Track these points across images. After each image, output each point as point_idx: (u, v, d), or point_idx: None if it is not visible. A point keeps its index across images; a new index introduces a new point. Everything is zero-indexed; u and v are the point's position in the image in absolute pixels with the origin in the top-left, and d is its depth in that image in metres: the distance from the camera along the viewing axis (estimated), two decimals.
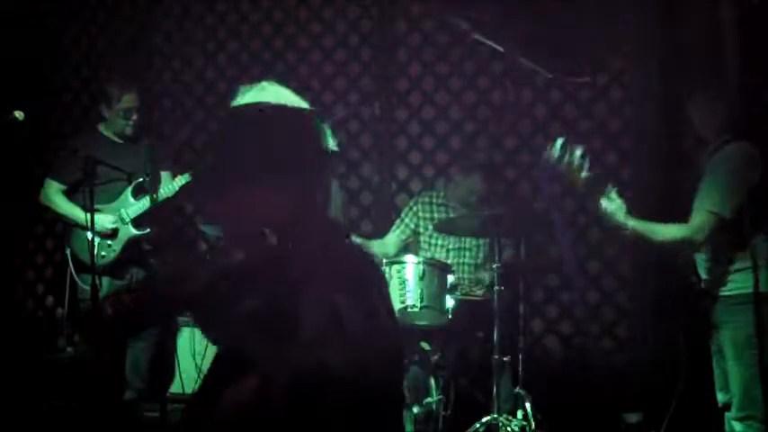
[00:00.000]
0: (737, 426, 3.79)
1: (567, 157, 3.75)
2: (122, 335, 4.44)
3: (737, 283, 3.75)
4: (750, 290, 3.72)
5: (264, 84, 2.81)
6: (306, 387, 1.80)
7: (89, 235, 4.55)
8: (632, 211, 3.81)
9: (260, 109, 2.11)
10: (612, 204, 3.79)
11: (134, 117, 5.03)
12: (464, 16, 4.99)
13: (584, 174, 3.76)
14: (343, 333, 1.82)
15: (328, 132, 2.71)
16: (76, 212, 4.89)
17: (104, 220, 4.87)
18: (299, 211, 2.00)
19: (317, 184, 2.07)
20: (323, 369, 1.78)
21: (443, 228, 4.99)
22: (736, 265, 3.76)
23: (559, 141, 3.77)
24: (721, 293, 3.79)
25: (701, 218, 3.71)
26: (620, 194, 3.82)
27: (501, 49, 4.88)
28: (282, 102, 2.33)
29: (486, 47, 5.59)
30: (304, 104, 2.62)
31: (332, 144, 2.78)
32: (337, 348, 1.81)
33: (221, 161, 2.05)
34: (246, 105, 2.11)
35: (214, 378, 2.01)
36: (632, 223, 3.77)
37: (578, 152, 3.76)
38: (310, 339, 1.81)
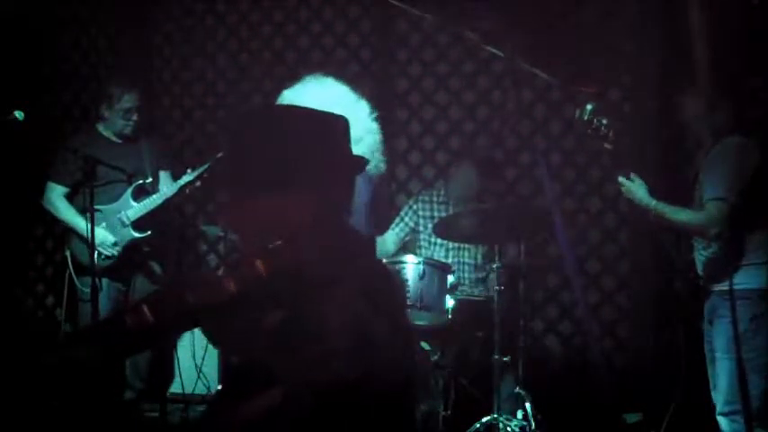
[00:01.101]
0: (723, 421, 3.81)
1: (595, 122, 3.90)
2: (141, 348, 4.42)
3: (737, 278, 3.78)
4: (748, 285, 3.76)
5: (328, 80, 2.75)
6: (330, 398, 1.77)
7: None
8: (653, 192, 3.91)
9: (277, 111, 2.04)
10: (634, 185, 3.90)
11: (134, 117, 5.03)
12: (471, 27, 5.00)
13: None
14: (365, 342, 1.79)
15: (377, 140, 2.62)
16: (78, 221, 4.87)
17: (106, 238, 4.84)
18: (317, 218, 1.93)
19: (337, 189, 2.00)
20: (348, 380, 1.76)
21: (442, 232, 4.97)
22: (738, 261, 3.79)
23: (589, 107, 3.90)
24: (719, 288, 3.82)
25: (713, 207, 3.77)
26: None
27: (509, 56, 4.88)
28: (338, 98, 2.23)
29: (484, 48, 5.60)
30: (362, 102, 2.52)
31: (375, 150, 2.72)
32: (361, 358, 1.78)
33: (237, 164, 1.96)
34: (263, 108, 2.04)
35: (233, 391, 1.96)
36: (654, 203, 3.86)
37: (588, 107, 3.91)
38: (334, 350, 1.78)
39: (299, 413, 1.78)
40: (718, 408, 3.83)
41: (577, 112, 3.99)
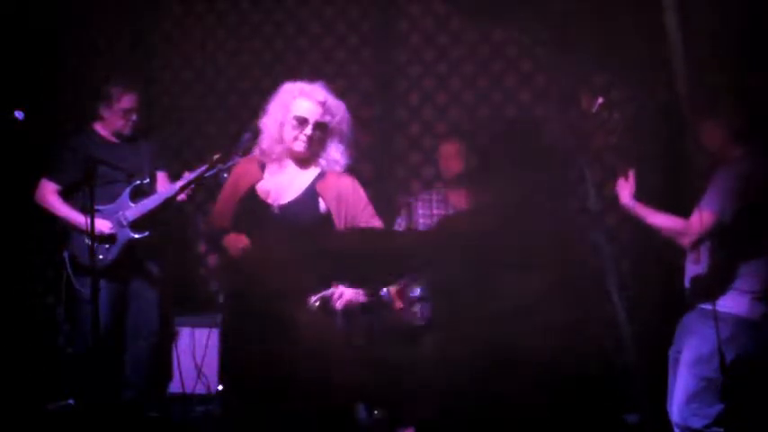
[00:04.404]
0: None
1: (604, 115, 3.88)
2: None
3: (721, 301, 3.75)
4: (729, 310, 3.74)
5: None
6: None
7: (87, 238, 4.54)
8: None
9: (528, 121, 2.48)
10: (622, 184, 3.94)
11: (133, 117, 5.03)
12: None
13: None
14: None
15: None
16: (75, 215, 4.87)
17: (102, 225, 4.83)
18: None
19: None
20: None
21: None
22: (725, 284, 3.77)
23: (600, 100, 3.88)
24: (701, 306, 3.81)
25: (696, 216, 3.74)
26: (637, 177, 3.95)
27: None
28: None
29: (485, 48, 5.62)
30: None
31: None
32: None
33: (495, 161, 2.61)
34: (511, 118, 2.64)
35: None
36: (633, 204, 3.91)
37: (599, 100, 3.91)
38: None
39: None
40: (673, 419, 3.86)
41: (585, 102, 3.95)
